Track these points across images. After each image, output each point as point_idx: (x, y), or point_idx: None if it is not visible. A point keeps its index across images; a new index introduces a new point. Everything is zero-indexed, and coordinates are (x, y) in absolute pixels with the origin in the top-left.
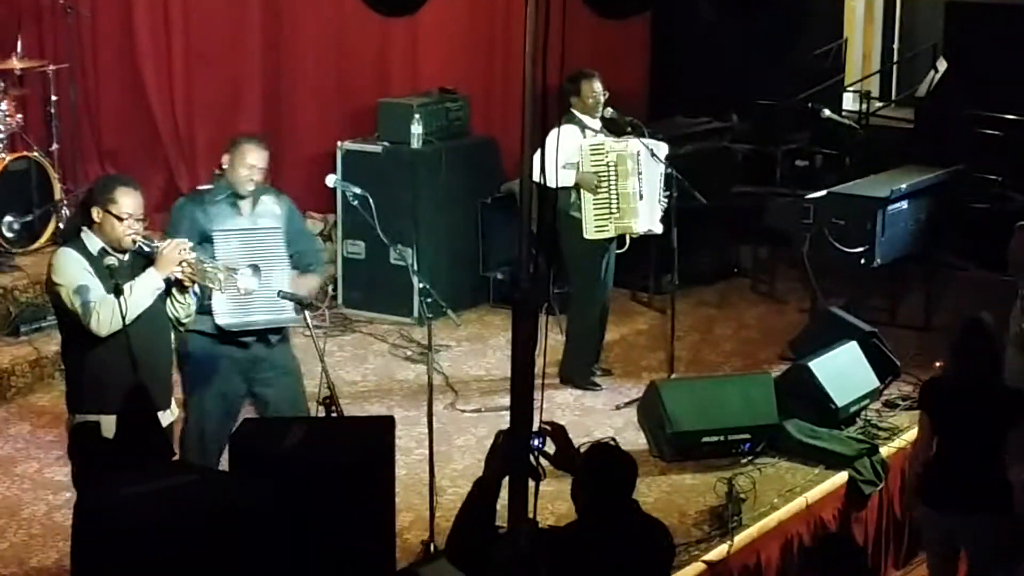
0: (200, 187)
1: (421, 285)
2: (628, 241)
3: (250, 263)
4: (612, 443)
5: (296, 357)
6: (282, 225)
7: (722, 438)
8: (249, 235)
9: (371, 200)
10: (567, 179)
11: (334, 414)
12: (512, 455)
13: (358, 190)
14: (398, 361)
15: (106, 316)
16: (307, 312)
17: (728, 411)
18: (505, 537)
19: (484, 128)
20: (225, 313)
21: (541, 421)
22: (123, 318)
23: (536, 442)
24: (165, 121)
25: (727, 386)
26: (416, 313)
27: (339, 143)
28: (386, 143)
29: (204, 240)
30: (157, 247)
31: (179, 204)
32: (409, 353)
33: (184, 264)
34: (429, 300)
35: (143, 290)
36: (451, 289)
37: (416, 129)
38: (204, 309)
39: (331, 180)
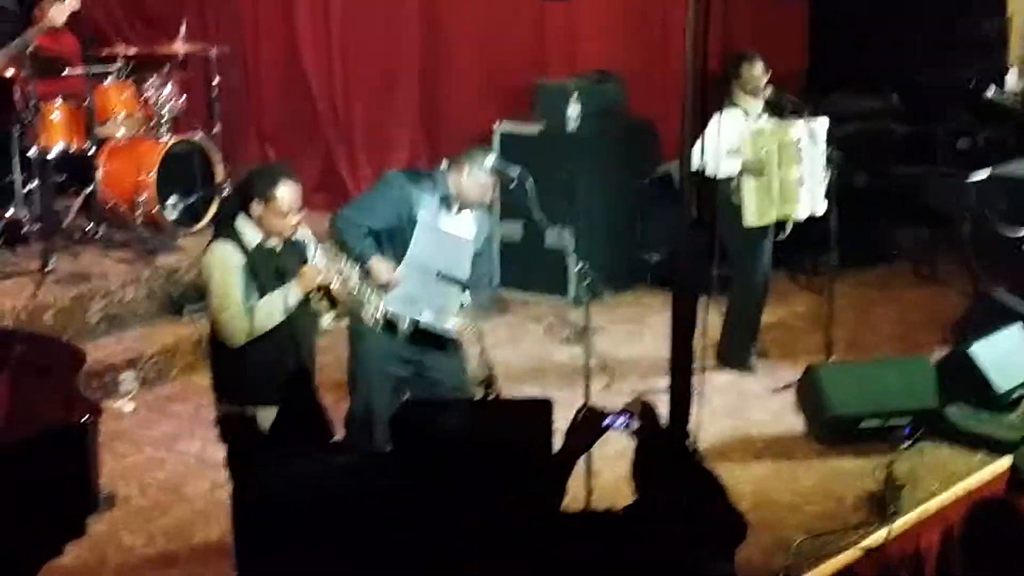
0: (419, 170)
1: (579, 266)
2: (789, 227)
3: (437, 269)
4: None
5: (461, 341)
6: (475, 242)
7: (881, 422)
8: (449, 241)
9: (529, 181)
10: (731, 167)
11: (493, 395)
12: (592, 433)
13: (516, 171)
14: (554, 343)
15: (238, 328)
16: (466, 293)
17: (887, 395)
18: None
19: (641, 111)
20: (396, 302)
21: (632, 400)
22: (251, 329)
23: (621, 421)
24: (324, 103)
25: (886, 370)
26: (573, 294)
27: (496, 124)
28: (543, 125)
29: (403, 221)
30: (308, 250)
31: (394, 175)
32: (566, 334)
33: (324, 287)
34: (587, 281)
35: (274, 305)
36: (608, 270)
37: (573, 111)
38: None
39: (489, 161)
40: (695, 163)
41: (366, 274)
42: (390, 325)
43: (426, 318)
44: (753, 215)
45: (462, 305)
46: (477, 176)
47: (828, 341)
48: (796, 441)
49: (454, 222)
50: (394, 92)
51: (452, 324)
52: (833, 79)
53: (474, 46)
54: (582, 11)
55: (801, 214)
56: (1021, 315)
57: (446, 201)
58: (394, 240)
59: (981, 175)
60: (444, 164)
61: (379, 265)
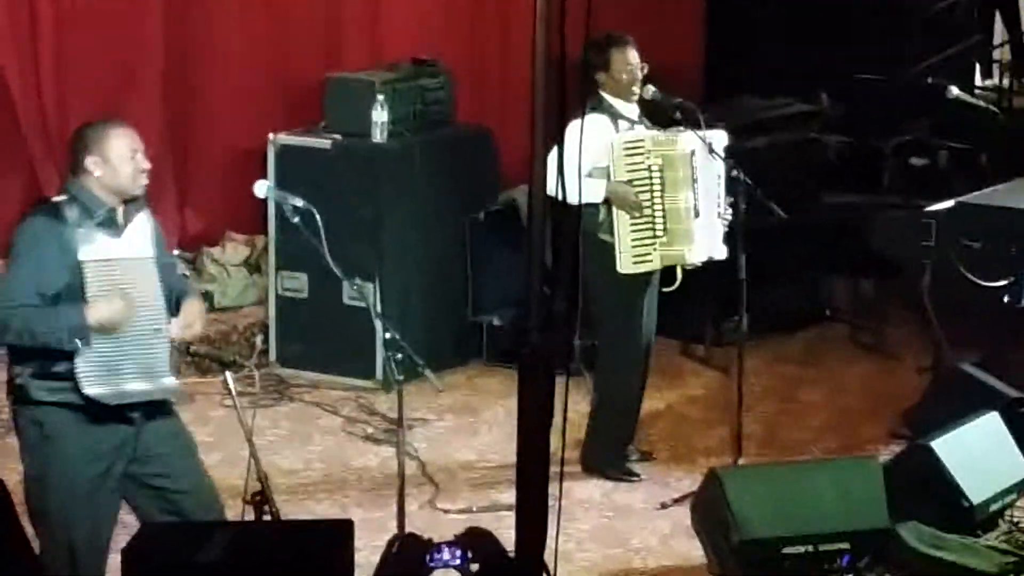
0: (52, 198)
1: (388, 334)
2: (680, 275)
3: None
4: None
5: (187, 430)
6: (153, 248)
7: (811, 548)
8: (128, 270)
9: (317, 216)
10: (594, 192)
11: (267, 516)
12: (411, 573)
13: (299, 202)
14: (355, 442)
15: None
16: (229, 372)
17: (819, 511)
18: None
19: (474, 114)
20: (94, 379)
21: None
22: None
23: (450, 557)
24: (27, 109)
25: (817, 475)
26: (380, 374)
27: (271, 136)
28: (337, 136)
29: (68, 273)
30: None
31: (31, 220)
32: (371, 431)
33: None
34: (399, 356)
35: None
36: (429, 339)
37: (379, 116)
38: (61, 372)
39: (261, 188)
40: (549, 187)
41: (86, 342)
42: (90, 413)
43: (138, 387)
44: (628, 259)
45: (172, 347)
46: (117, 160)
47: (736, 436)
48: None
49: (122, 242)
50: (127, 91)
51: (171, 382)
52: (739, 77)
53: (239, 30)
54: None
55: (695, 258)
56: (1000, 397)
57: (106, 219)
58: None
59: (944, 205)
60: (72, 170)
61: (105, 307)
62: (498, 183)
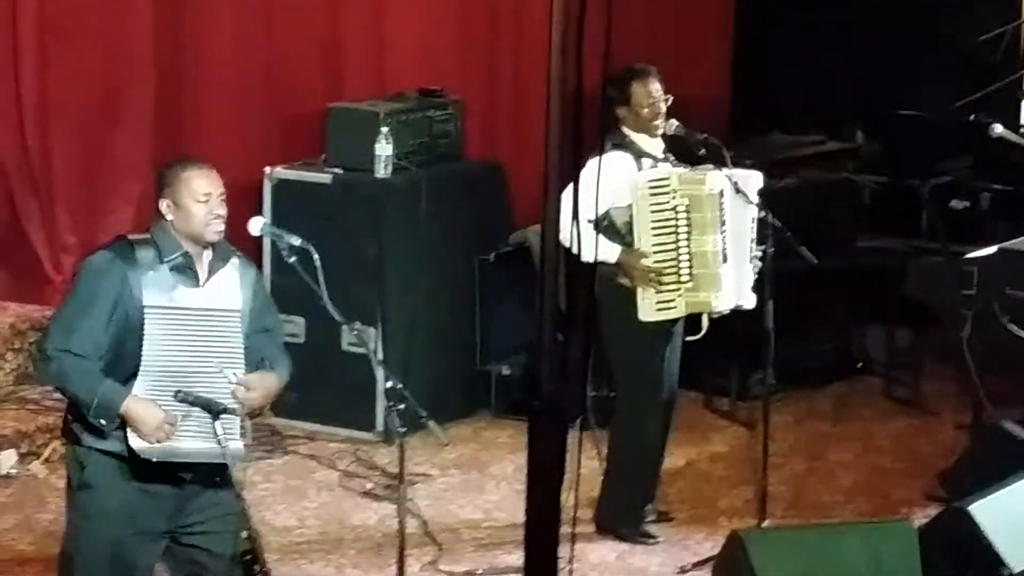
0: (132, 236)
1: (389, 383)
2: (705, 323)
3: (189, 359)
4: None
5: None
6: (247, 306)
7: None
8: (201, 320)
9: (315, 255)
10: (605, 253)
11: None
12: None
13: (296, 241)
14: (353, 497)
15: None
16: (218, 423)
17: None
18: None
19: (485, 148)
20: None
21: None
22: None
23: None
24: (7, 138)
25: (847, 540)
26: (381, 425)
27: (268, 170)
28: (338, 170)
29: (133, 321)
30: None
31: (98, 259)
32: (370, 486)
33: None
34: (401, 406)
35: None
36: (434, 389)
37: (384, 149)
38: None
39: (256, 226)
40: (564, 230)
41: (117, 428)
42: (136, 468)
43: (194, 447)
44: (651, 306)
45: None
46: (191, 203)
47: (761, 496)
48: None
49: (201, 292)
50: (115, 121)
51: (235, 446)
52: (769, 113)
53: (235, 57)
54: (396, 2)
55: (723, 305)
56: None
57: (182, 264)
58: (122, 352)
59: (986, 252)
60: (158, 212)
61: (139, 409)
62: (510, 221)
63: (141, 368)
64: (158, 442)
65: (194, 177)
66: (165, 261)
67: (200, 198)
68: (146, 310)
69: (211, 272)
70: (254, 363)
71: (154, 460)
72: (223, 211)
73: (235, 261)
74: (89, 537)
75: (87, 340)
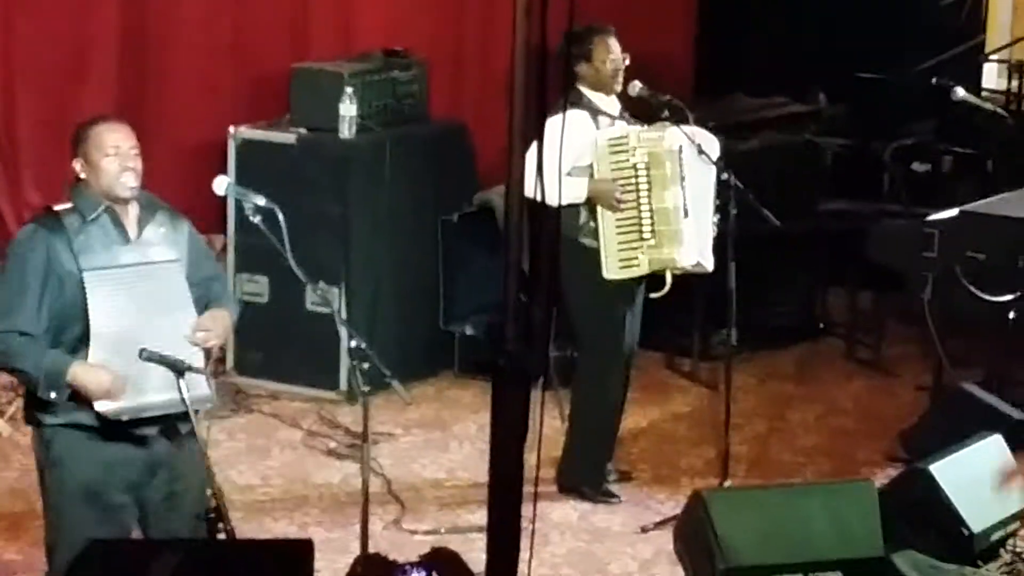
0: (55, 206)
1: (353, 343)
2: (669, 280)
3: (139, 316)
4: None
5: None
6: (183, 256)
7: None
8: (139, 273)
9: (280, 215)
10: (576, 192)
11: (222, 534)
12: None
13: (261, 200)
14: (316, 456)
15: None
16: (182, 380)
17: (810, 538)
18: None
19: (449, 108)
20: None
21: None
22: None
23: None
24: None
25: (808, 500)
26: (345, 385)
27: (231, 129)
28: (302, 130)
29: (61, 285)
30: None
31: (23, 233)
32: (333, 445)
33: None
34: (365, 365)
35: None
36: (398, 349)
37: (348, 110)
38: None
39: (220, 185)
40: (528, 188)
41: (69, 397)
42: (114, 430)
43: (160, 399)
44: (615, 264)
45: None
46: (101, 159)
47: (723, 456)
48: None
49: (139, 244)
50: (79, 81)
51: (202, 391)
52: (731, 74)
53: (200, 17)
54: None
55: (685, 261)
56: (1004, 419)
57: (111, 221)
58: (65, 322)
59: (947, 214)
60: (74, 174)
61: (85, 375)
62: (474, 183)
63: (92, 334)
64: (115, 402)
65: (103, 132)
66: (89, 220)
67: (108, 151)
68: (84, 275)
69: (140, 226)
70: (202, 311)
71: (124, 419)
72: (135, 164)
73: (162, 213)
74: (69, 513)
75: (27, 318)
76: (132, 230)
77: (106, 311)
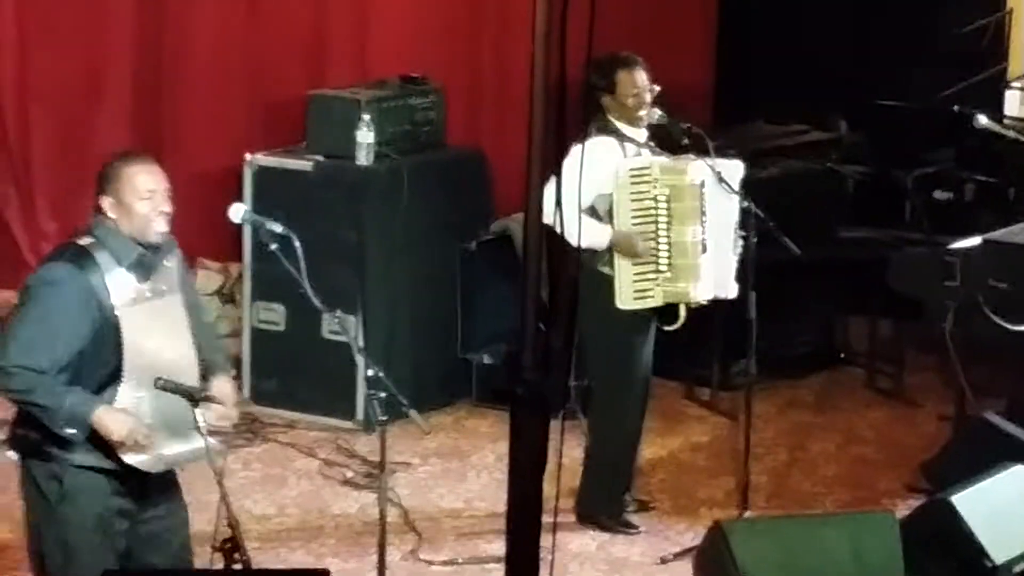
0: (78, 241)
1: (370, 372)
2: (682, 313)
3: (159, 351)
4: None
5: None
6: (181, 296)
7: None
8: (157, 306)
9: (296, 242)
10: (598, 239)
11: (238, 564)
12: None
13: (277, 227)
14: (333, 486)
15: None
16: (197, 411)
17: (830, 569)
18: None
19: (466, 135)
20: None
21: None
22: None
23: None
24: None
25: (829, 530)
26: (362, 414)
27: (247, 156)
28: (319, 157)
29: (95, 324)
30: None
31: (53, 267)
32: (350, 475)
33: None
34: (382, 394)
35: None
36: (415, 377)
37: (365, 136)
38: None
39: (236, 212)
40: (547, 216)
41: (86, 439)
42: (118, 477)
43: (175, 451)
44: (629, 294)
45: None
46: (134, 201)
47: (743, 487)
48: None
49: (156, 281)
50: (95, 104)
51: (210, 441)
52: (752, 102)
53: (217, 42)
54: None
55: (700, 296)
56: None
57: (138, 265)
58: (97, 358)
59: (969, 243)
60: (97, 210)
61: (110, 419)
62: (492, 210)
63: (126, 371)
64: (132, 450)
65: (138, 173)
66: (123, 264)
67: (144, 195)
68: (119, 312)
69: (156, 265)
70: (196, 347)
71: (152, 472)
72: (168, 208)
73: (176, 252)
74: (83, 547)
75: (45, 355)
76: (150, 266)
77: (137, 345)
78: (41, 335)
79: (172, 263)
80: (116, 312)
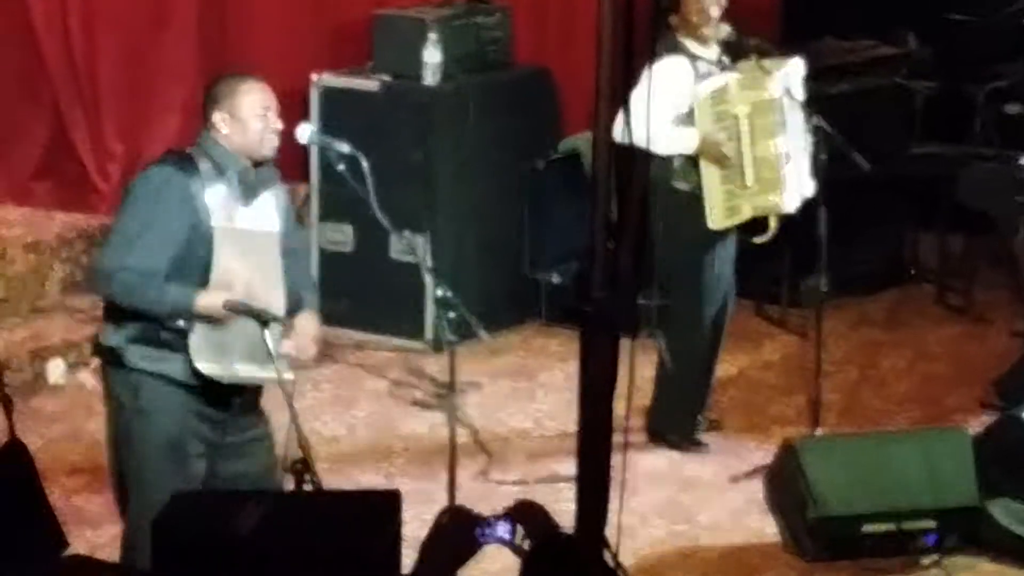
0: (181, 149)
1: (439, 292)
2: (773, 224)
3: (246, 279)
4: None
5: (266, 413)
6: (281, 227)
7: (893, 526)
8: (255, 243)
9: (364, 163)
10: (686, 143)
11: (308, 485)
12: (460, 548)
13: (345, 148)
14: (402, 406)
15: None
16: (267, 331)
17: (902, 486)
18: None
19: (534, 55)
20: (207, 354)
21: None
22: None
23: (501, 531)
24: (53, 45)
25: (901, 448)
26: (431, 334)
27: (315, 77)
28: (386, 77)
29: (195, 236)
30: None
31: (158, 172)
32: (419, 395)
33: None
34: (451, 315)
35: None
36: (484, 297)
37: (432, 56)
38: (167, 340)
39: (303, 133)
40: (617, 134)
41: (190, 324)
42: (193, 391)
43: (248, 371)
44: (720, 213)
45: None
46: (249, 116)
47: (814, 404)
48: (766, 555)
49: (250, 211)
50: (160, 27)
51: (271, 372)
52: (819, 17)
53: None
54: None
55: (788, 206)
56: None
57: (239, 183)
58: (184, 267)
59: None
60: (207, 124)
61: (212, 298)
62: (559, 129)
63: (211, 285)
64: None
65: (253, 90)
66: (227, 175)
67: (259, 111)
68: (214, 229)
69: (258, 191)
70: (287, 284)
71: (223, 382)
72: (280, 126)
73: (277, 181)
74: (153, 464)
75: (146, 257)
76: (251, 193)
77: (224, 271)
78: (140, 235)
79: (272, 199)
80: (212, 225)
